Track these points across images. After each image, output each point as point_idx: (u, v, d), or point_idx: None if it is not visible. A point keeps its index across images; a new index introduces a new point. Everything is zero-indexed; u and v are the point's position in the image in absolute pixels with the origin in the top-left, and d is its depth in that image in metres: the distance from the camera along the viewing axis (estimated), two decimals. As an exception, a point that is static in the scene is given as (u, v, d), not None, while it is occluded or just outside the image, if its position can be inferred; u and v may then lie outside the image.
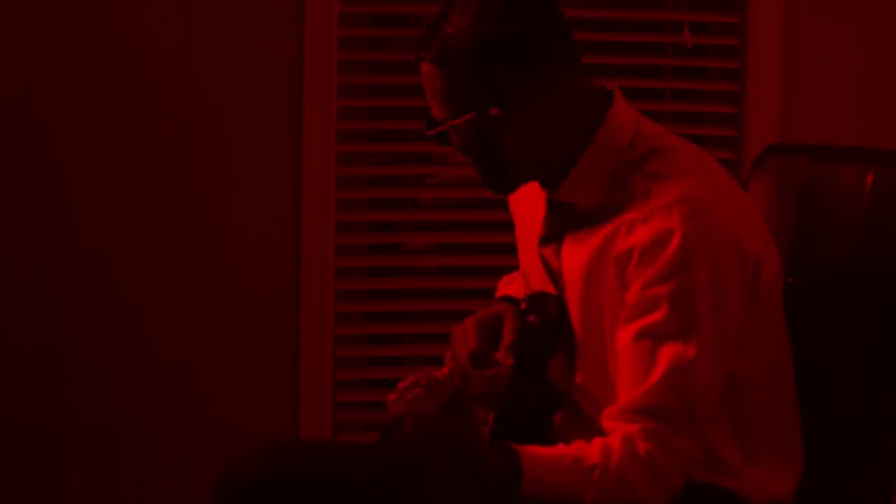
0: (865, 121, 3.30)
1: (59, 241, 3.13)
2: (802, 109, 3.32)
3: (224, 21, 3.14)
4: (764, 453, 2.04)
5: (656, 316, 1.89)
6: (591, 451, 1.88)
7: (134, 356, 3.17)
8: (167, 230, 3.16)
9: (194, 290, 3.18)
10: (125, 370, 3.17)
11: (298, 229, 3.19)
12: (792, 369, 2.08)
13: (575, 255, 2.01)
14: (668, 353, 1.88)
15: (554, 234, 2.06)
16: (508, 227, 2.26)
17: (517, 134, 1.96)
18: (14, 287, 3.12)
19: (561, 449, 1.89)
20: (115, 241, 3.15)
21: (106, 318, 3.16)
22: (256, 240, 3.20)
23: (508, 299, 2.18)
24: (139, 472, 3.20)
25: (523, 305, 2.11)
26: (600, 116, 1.99)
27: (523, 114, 1.95)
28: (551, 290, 2.07)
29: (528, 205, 2.14)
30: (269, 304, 3.21)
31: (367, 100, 3.31)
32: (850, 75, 3.34)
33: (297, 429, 3.20)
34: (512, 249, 2.26)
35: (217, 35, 3.14)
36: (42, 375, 3.14)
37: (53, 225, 3.12)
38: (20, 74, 3.08)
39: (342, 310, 3.26)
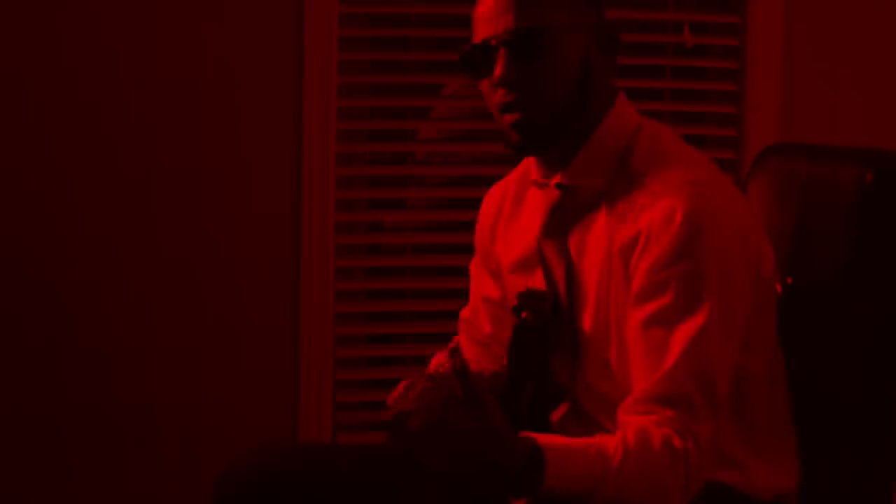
0: (865, 121, 3.30)
1: (61, 237, 3.12)
2: (802, 109, 3.32)
3: (224, 21, 3.14)
4: (767, 448, 2.04)
5: (666, 299, 1.88)
6: (611, 443, 1.83)
7: (133, 357, 3.17)
8: (167, 230, 3.15)
9: (194, 290, 3.18)
10: (124, 370, 3.17)
11: (298, 229, 3.18)
12: (784, 363, 2.08)
13: (585, 247, 2.01)
14: (680, 337, 1.87)
15: (558, 225, 2.05)
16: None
17: (565, 59, 1.98)
18: (15, 277, 3.12)
19: (586, 440, 1.84)
20: (115, 242, 3.14)
21: (106, 319, 3.15)
22: (256, 240, 3.20)
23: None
24: (139, 472, 3.19)
25: (515, 302, 2.11)
26: (609, 104, 2.03)
27: (580, 42, 1.98)
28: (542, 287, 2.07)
29: (501, 222, 2.21)
30: (269, 304, 3.21)
31: (367, 100, 3.31)
32: (850, 75, 3.34)
33: (297, 429, 3.20)
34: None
35: (217, 35, 3.14)
36: (44, 371, 3.13)
37: (56, 220, 3.12)
38: (22, 70, 3.08)
39: (342, 310, 3.26)
